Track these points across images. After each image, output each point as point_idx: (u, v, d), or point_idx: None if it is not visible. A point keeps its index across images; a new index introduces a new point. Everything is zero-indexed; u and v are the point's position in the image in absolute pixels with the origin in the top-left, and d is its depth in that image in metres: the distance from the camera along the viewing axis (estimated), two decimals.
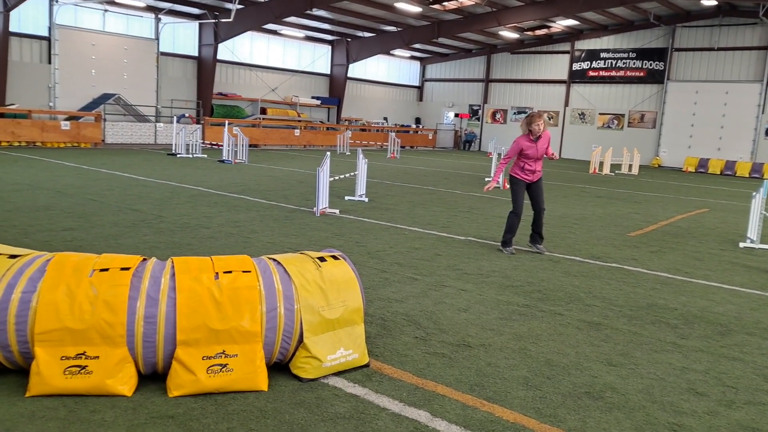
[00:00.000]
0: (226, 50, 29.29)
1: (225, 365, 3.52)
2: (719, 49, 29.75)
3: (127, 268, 3.56)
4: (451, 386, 3.78)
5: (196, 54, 28.46)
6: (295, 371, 3.80)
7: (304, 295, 3.81)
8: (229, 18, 23.92)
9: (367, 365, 4.01)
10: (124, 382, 3.43)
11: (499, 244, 8.13)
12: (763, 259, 8.35)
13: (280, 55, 32.48)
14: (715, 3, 27.37)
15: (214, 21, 26.45)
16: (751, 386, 4.03)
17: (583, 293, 6.11)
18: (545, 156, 7.89)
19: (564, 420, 3.42)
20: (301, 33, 32.05)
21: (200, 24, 27.68)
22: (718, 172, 28.38)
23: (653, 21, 29.96)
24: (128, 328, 3.43)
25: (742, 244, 9.31)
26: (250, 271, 3.74)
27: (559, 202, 13.61)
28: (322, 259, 4.06)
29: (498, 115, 37.78)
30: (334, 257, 4.13)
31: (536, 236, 8.04)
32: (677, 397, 3.81)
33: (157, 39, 26.76)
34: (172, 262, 3.72)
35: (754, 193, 9.31)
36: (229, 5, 24.55)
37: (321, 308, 3.85)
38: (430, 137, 38.02)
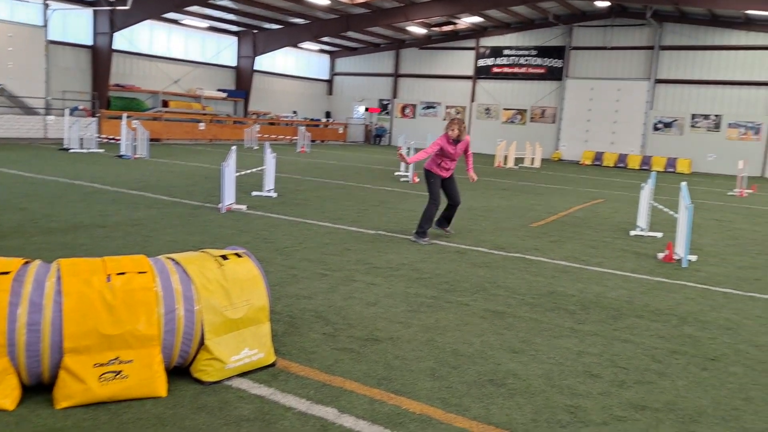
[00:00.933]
0: (123, 39, 27.88)
1: (119, 372, 3.32)
2: (612, 48, 31.50)
3: (7, 272, 3.28)
4: (359, 381, 3.76)
5: (91, 43, 26.91)
6: (197, 374, 3.65)
7: (206, 295, 3.67)
8: (126, 5, 22.77)
9: (273, 364, 3.92)
10: (5, 395, 3.17)
11: (413, 235, 8.24)
12: (651, 246, 8.91)
13: (182, 46, 31.32)
14: (608, 4, 28.94)
15: (109, 8, 25.08)
16: (641, 366, 4.27)
17: (488, 283, 6.27)
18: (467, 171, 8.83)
19: (469, 408, 3.49)
20: (205, 23, 31.05)
21: (94, 11, 26.16)
22: (612, 165, 30.10)
23: (552, 20, 31.30)
24: (8, 337, 3.16)
25: (632, 232, 9.90)
26: (145, 272, 3.55)
27: (466, 195, 13.93)
28: (224, 257, 3.92)
29: (407, 110, 38.26)
30: (238, 255, 4.00)
31: (443, 221, 8.59)
32: (574, 380, 3.97)
33: (46, 26, 25.02)
34: (59, 265, 3.47)
35: (643, 184, 9.92)
36: None
37: (224, 308, 3.73)
38: (341, 131, 37.94)
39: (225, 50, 33.24)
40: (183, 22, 30.26)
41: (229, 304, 3.75)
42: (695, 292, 6.40)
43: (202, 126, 28.81)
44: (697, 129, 30.14)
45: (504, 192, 15.12)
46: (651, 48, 30.51)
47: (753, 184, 21.96)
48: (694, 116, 30.14)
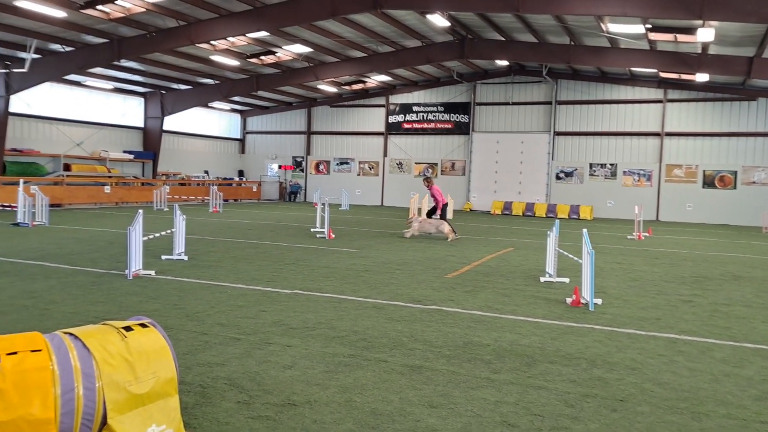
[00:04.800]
0: (20, 102, 26.66)
1: None
2: (513, 103, 33.31)
3: None
4: None
5: None
6: None
7: (108, 370, 3.46)
8: (23, 68, 21.91)
9: None
10: None
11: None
12: (560, 291, 9.26)
13: (85, 108, 30.27)
14: (507, 63, 30.74)
15: (4, 71, 24.04)
16: (555, 412, 4.37)
17: (406, 337, 6.28)
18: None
19: None
20: (109, 84, 30.30)
21: None
22: (521, 214, 31.35)
23: (456, 78, 32.85)
24: None
25: (542, 279, 10.26)
26: (40, 350, 3.31)
27: (381, 248, 14.05)
28: (128, 328, 3.74)
29: (321, 166, 38.52)
30: (143, 325, 3.82)
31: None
32: (492, 431, 4.00)
33: None
34: None
35: (549, 232, 10.37)
36: (23, 54, 22.50)
37: (128, 383, 3.52)
38: (255, 189, 37.58)
39: (131, 111, 32.47)
40: (86, 83, 29.41)
41: (134, 379, 3.55)
42: (602, 335, 6.67)
43: (107, 189, 27.74)
44: (595, 177, 32.05)
45: (419, 244, 15.36)
46: (549, 103, 32.49)
47: (649, 228, 23.43)
48: (592, 165, 32.08)
